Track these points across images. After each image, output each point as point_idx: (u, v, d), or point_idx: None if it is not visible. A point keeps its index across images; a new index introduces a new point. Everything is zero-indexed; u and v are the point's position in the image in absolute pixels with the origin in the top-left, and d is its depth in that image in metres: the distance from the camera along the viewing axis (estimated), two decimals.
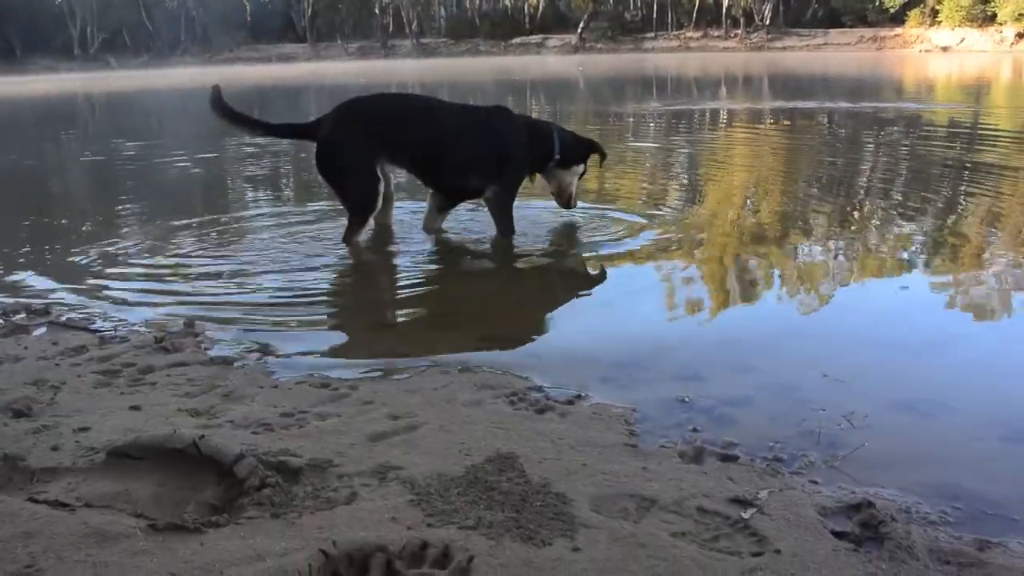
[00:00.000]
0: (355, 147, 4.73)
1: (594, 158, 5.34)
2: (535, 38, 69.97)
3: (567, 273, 4.49)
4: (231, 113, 4.95)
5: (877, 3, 61.77)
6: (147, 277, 4.39)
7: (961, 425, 2.56)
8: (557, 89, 25.54)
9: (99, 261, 4.75)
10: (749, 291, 3.97)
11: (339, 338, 3.48)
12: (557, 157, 5.09)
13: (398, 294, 4.27)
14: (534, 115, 7.47)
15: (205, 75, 42.83)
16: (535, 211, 5.59)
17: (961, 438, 2.47)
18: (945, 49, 54.37)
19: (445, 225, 5.30)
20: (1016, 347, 3.28)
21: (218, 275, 4.39)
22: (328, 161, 4.79)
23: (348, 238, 4.83)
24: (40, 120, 20.37)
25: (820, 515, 2.01)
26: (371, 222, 4.90)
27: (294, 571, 1.74)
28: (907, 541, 1.89)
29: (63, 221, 6.14)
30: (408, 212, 5.67)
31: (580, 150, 5.23)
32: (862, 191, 6.61)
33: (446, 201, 5.19)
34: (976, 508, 2.07)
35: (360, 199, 4.80)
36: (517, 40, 69.66)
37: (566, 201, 5.35)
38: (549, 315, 3.70)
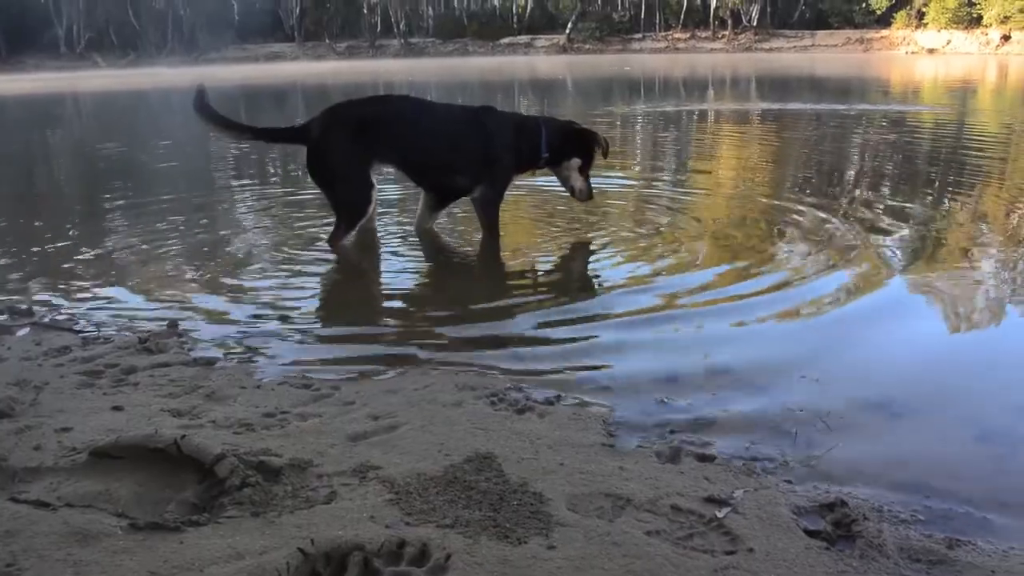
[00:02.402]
0: (347, 151, 4.74)
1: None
2: (523, 38, 69.83)
3: (552, 272, 4.51)
4: (216, 117, 4.94)
5: (864, 5, 61.95)
6: (131, 277, 4.39)
7: (934, 425, 2.60)
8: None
9: (83, 262, 4.74)
10: (728, 292, 3.99)
11: (322, 339, 3.49)
12: (545, 155, 5.05)
13: (382, 295, 4.29)
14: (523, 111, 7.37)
15: (194, 75, 42.65)
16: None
17: (934, 438, 2.51)
18: (931, 51, 54.52)
19: (435, 228, 5.33)
20: (990, 348, 3.32)
21: (202, 276, 4.40)
22: (320, 165, 4.79)
23: (334, 241, 4.84)
24: (27, 120, 20.26)
25: (794, 514, 2.05)
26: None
27: (273, 569, 1.76)
28: (878, 539, 1.93)
29: (44, 222, 6.10)
30: (396, 215, 5.70)
31: (571, 144, 5.12)
32: (846, 187, 6.64)
33: (436, 200, 5.21)
34: (947, 507, 2.11)
35: (351, 204, 4.80)
36: (505, 40, 69.52)
37: (572, 194, 5.26)
38: (532, 316, 3.71)
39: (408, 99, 5.38)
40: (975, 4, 54.62)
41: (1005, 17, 52.11)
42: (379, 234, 5.19)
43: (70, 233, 5.56)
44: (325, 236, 4.94)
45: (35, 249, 5.04)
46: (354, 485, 2.16)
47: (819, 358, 3.13)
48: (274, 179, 8.43)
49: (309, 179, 4.99)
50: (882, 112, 14.32)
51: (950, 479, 2.23)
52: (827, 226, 5.20)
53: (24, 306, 3.86)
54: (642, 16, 69.34)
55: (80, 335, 3.47)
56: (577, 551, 1.87)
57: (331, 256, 4.73)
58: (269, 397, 2.80)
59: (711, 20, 67.07)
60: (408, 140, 4.84)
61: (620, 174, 7.58)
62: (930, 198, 6.33)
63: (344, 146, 4.74)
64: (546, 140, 5.03)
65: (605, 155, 5.24)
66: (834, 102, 16.20)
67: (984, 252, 4.61)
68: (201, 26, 70.93)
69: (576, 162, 5.14)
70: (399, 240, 5.12)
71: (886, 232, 5.07)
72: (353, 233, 4.87)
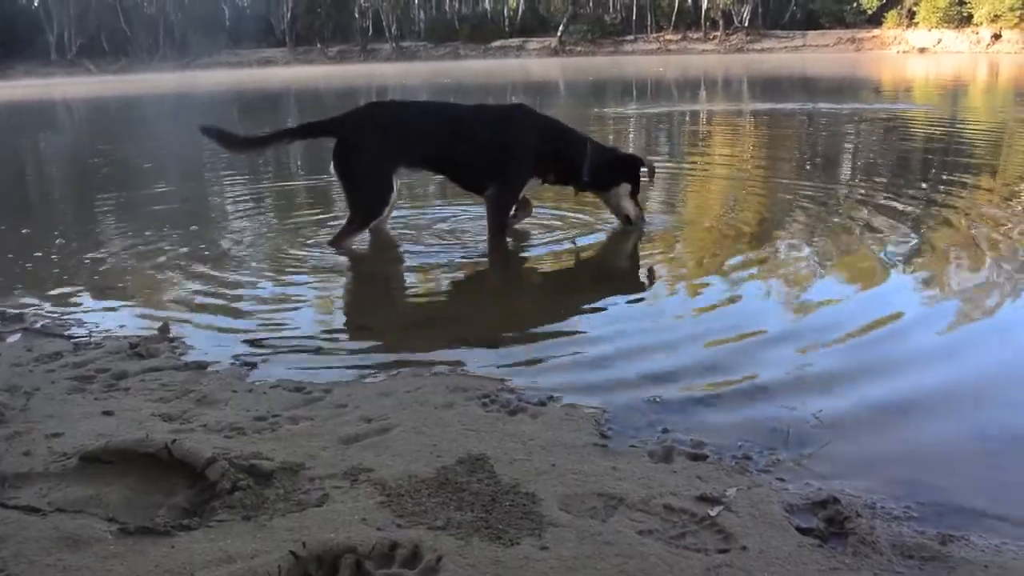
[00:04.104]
0: (375, 152, 4.76)
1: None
2: (515, 41, 69.84)
3: (546, 273, 4.51)
4: (248, 141, 5.07)
5: (855, 5, 62.12)
6: (121, 282, 4.38)
7: (928, 422, 2.60)
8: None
9: (74, 266, 4.73)
10: (719, 289, 3.99)
11: (314, 342, 3.47)
12: (586, 179, 5.02)
13: (376, 298, 4.27)
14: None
15: (186, 80, 42.69)
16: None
17: (927, 435, 2.51)
18: (922, 50, 54.69)
19: (432, 227, 5.35)
20: (984, 345, 3.31)
21: (193, 280, 4.38)
22: (345, 160, 4.80)
23: (339, 240, 4.83)
24: (16, 125, 20.21)
25: (786, 512, 2.04)
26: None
27: (264, 573, 1.75)
28: (871, 536, 1.93)
29: (33, 228, 6.08)
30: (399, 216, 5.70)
31: (618, 171, 5.08)
32: (840, 186, 6.63)
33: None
34: (940, 503, 2.11)
35: (367, 204, 4.82)
36: (497, 43, 69.50)
37: (626, 222, 5.18)
38: (525, 317, 3.71)
39: (440, 102, 5.37)
40: (965, 3, 54.84)
41: (995, 16, 52.33)
42: (384, 237, 5.15)
43: (59, 239, 5.53)
44: (319, 238, 4.93)
45: (25, 254, 5.02)
46: (346, 488, 2.15)
47: (811, 354, 3.13)
48: (267, 179, 8.37)
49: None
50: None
51: (944, 476, 2.23)
52: (818, 220, 5.19)
53: (15, 312, 3.85)
54: (633, 18, 69.46)
55: (71, 340, 3.46)
56: (570, 551, 1.86)
57: (325, 258, 4.70)
58: (260, 401, 2.79)
59: (702, 21, 67.23)
60: (437, 143, 4.86)
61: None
62: (927, 195, 6.30)
63: (371, 146, 4.77)
64: (590, 163, 4.99)
65: (651, 179, 5.24)
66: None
67: (980, 249, 4.58)
68: (193, 31, 70.84)
69: (626, 187, 5.10)
70: (399, 242, 5.10)
71: (878, 227, 5.04)
72: (364, 232, 4.89)
